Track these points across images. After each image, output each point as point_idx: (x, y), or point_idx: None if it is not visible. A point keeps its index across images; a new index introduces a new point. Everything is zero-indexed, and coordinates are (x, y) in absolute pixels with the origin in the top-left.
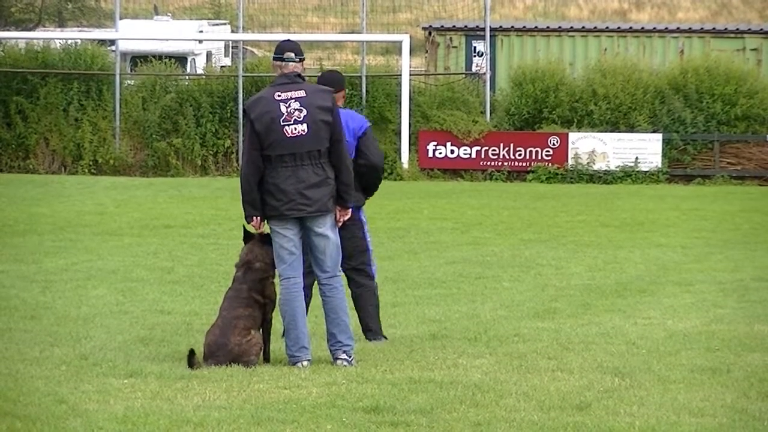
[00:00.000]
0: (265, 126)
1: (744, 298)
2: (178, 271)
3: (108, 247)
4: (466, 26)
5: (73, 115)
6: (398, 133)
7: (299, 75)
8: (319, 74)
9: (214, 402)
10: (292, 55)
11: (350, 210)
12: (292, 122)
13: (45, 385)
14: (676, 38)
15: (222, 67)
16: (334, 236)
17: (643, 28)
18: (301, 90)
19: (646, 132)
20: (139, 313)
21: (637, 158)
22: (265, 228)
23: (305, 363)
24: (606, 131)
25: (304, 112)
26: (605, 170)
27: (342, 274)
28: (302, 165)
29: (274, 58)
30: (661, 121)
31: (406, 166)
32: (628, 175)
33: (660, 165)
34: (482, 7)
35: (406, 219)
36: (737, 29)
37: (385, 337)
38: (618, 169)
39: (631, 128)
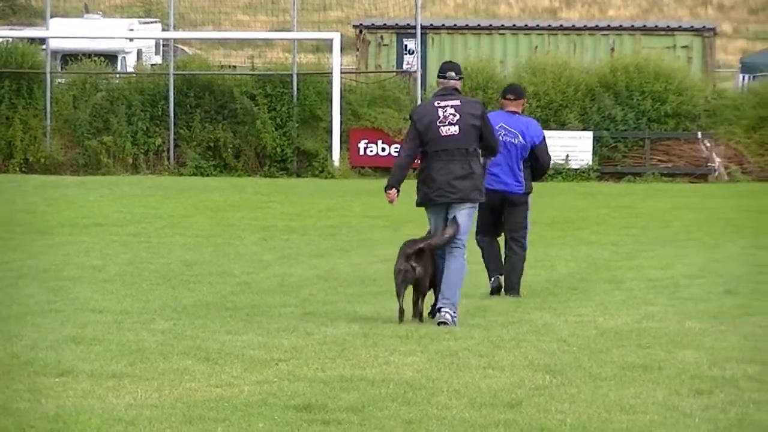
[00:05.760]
0: (425, 126)
1: (675, 295)
2: (109, 269)
3: (39, 245)
4: (397, 24)
5: (4, 114)
6: (329, 132)
7: (456, 89)
8: (507, 85)
9: (145, 401)
10: (453, 74)
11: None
12: (446, 124)
13: None
14: (606, 36)
15: (153, 65)
16: (466, 219)
17: (573, 26)
18: (457, 100)
19: (577, 130)
20: (71, 312)
21: (567, 156)
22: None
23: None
24: None
25: (457, 116)
26: None
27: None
28: (453, 160)
29: (439, 76)
30: (591, 118)
31: (337, 164)
32: (559, 172)
33: (591, 163)
34: (413, 5)
35: (337, 217)
36: (668, 27)
37: (519, 294)
38: None
39: (562, 126)
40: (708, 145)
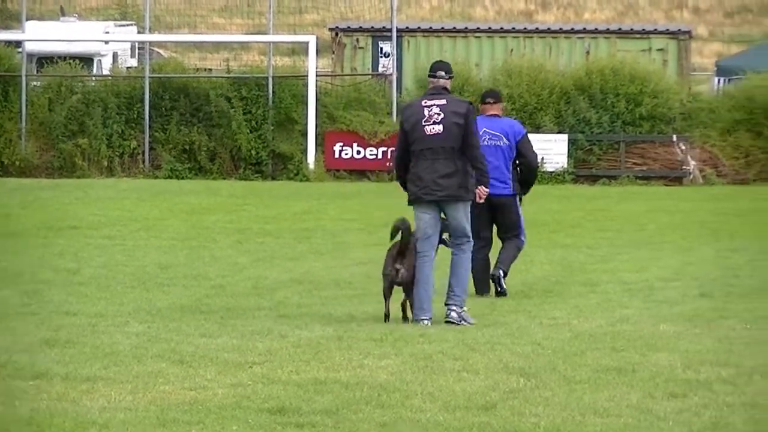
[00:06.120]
0: (411, 125)
1: (649, 298)
2: (84, 272)
3: (14, 248)
4: (372, 27)
5: None
6: (304, 134)
7: (445, 88)
8: (485, 90)
9: (119, 403)
10: (443, 73)
11: (488, 190)
12: (431, 123)
13: None
14: (582, 39)
15: (128, 68)
16: (464, 218)
17: (549, 29)
18: (443, 99)
19: (552, 132)
20: (45, 315)
21: (542, 159)
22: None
23: (426, 322)
24: None
25: (442, 115)
26: None
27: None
28: (438, 158)
29: (429, 75)
30: (566, 121)
31: (312, 167)
32: None
33: (566, 165)
34: (389, 8)
35: (312, 220)
36: (643, 30)
37: (505, 270)
38: None
39: (537, 129)
40: (683, 148)
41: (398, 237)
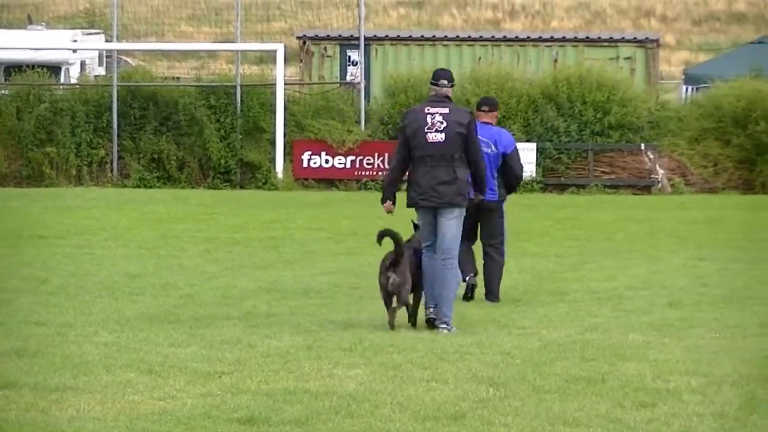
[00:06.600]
0: (413, 132)
1: (618, 307)
2: (52, 281)
3: None
4: (340, 35)
5: None
6: (273, 143)
7: (447, 96)
8: (482, 97)
9: (88, 413)
10: (445, 81)
11: (483, 196)
12: (433, 131)
13: None
14: (549, 47)
15: (96, 76)
16: (456, 228)
17: (516, 37)
18: (446, 108)
19: (520, 141)
20: (14, 324)
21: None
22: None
23: (431, 309)
24: None
25: (444, 124)
26: None
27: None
28: (438, 165)
29: (431, 83)
30: (534, 130)
31: (280, 175)
32: None
33: (534, 174)
34: (356, 17)
35: (281, 229)
36: (611, 38)
37: (498, 299)
38: None
39: None
40: (651, 156)
41: (392, 243)
